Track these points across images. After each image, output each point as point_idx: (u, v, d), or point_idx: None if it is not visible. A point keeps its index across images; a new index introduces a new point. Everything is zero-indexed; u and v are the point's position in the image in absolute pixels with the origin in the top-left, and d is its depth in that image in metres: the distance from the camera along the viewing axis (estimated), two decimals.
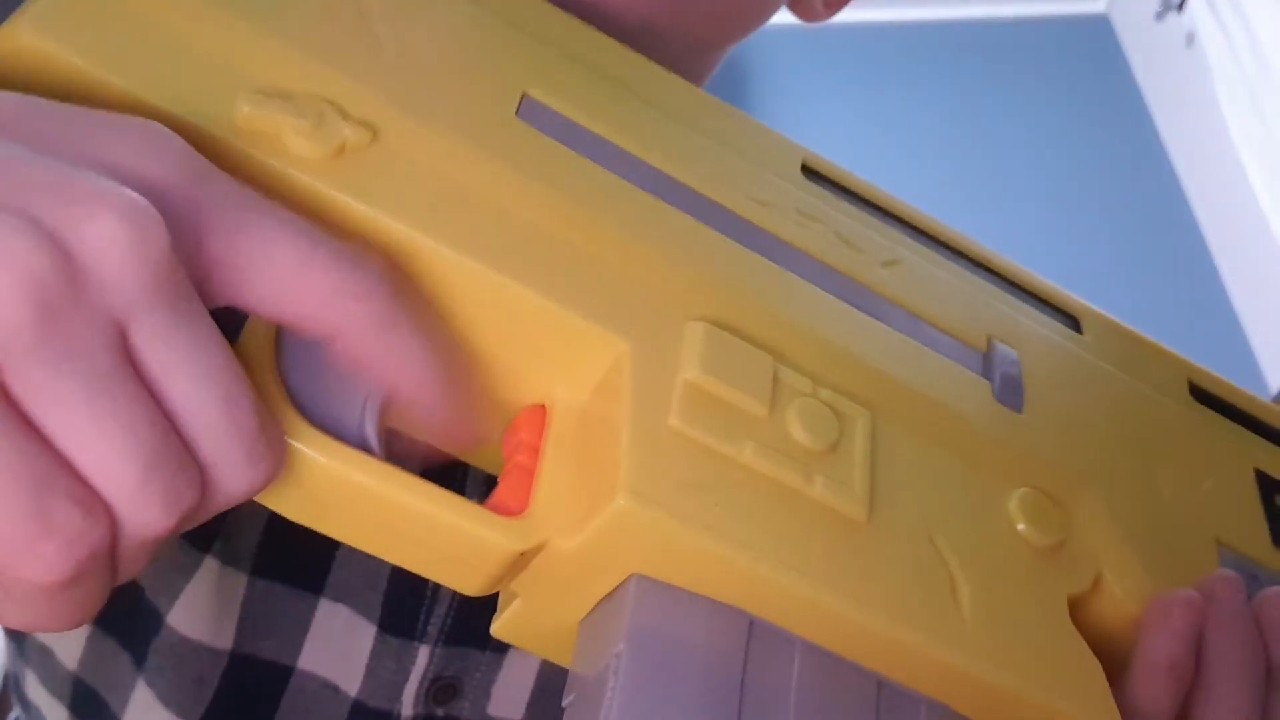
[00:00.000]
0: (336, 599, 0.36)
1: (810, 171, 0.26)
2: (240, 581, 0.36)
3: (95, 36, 0.20)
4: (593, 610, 0.21)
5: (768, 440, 0.20)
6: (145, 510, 0.17)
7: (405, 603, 0.37)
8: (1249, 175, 1.62)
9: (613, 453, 0.20)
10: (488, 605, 0.23)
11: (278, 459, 0.18)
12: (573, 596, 0.21)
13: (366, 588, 0.36)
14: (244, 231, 0.18)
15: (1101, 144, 1.81)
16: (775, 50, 1.87)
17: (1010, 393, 0.24)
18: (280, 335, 0.21)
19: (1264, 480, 0.26)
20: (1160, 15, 1.81)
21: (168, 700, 0.36)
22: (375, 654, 0.37)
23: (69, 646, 0.39)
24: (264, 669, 0.37)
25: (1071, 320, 0.27)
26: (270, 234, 0.18)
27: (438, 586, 0.36)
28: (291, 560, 0.36)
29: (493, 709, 0.38)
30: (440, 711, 0.37)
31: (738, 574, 0.19)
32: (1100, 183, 1.77)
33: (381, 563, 0.22)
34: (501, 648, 0.37)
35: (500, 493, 0.21)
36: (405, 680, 0.37)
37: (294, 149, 0.20)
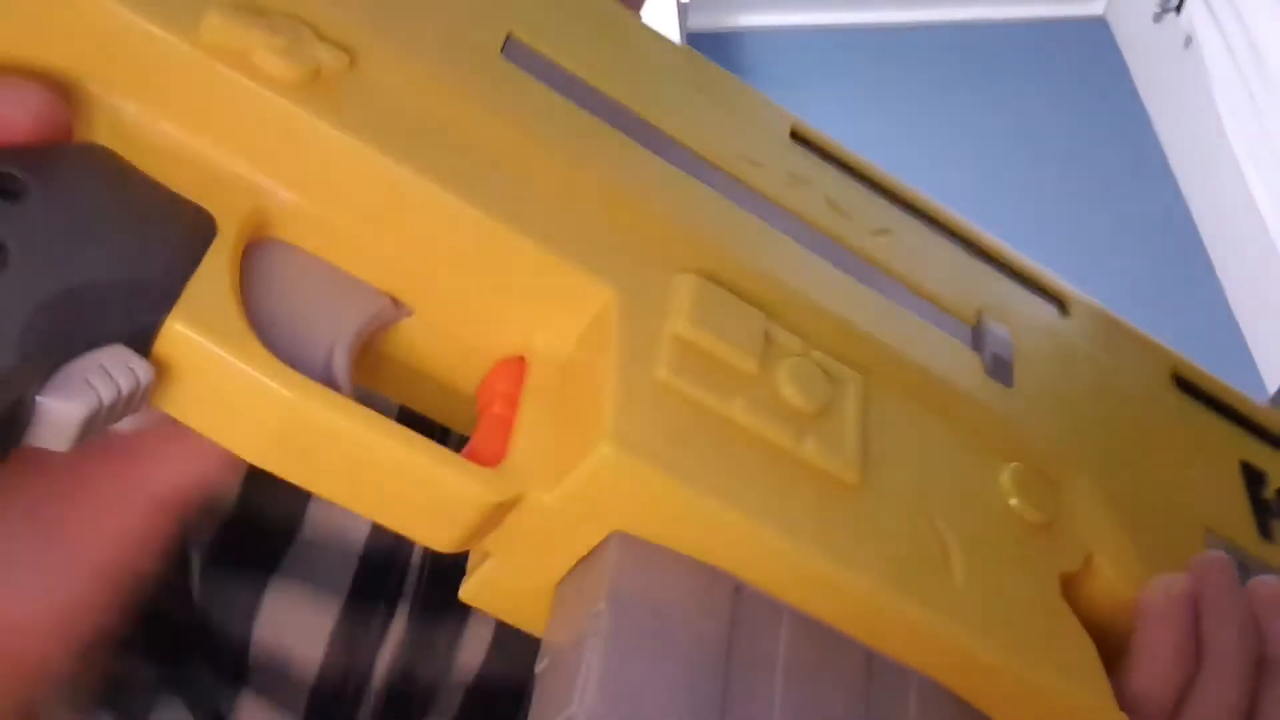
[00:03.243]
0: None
1: (799, 137, 0.26)
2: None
3: None
4: (570, 572, 0.20)
5: (758, 398, 0.19)
6: None
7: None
8: (1246, 177, 1.63)
9: (596, 403, 0.19)
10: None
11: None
12: (549, 555, 0.19)
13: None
14: None
15: (1099, 146, 1.81)
16: (775, 50, 1.87)
17: (1001, 368, 0.23)
18: (246, 272, 0.19)
19: (1249, 472, 0.26)
20: (1158, 17, 1.81)
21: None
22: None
23: None
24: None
25: (1058, 302, 0.27)
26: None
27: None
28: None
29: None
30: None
31: (725, 531, 0.18)
32: (1098, 184, 1.78)
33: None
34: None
35: (475, 443, 0.20)
36: None
37: (266, 68, 0.19)
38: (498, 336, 0.21)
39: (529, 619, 0.21)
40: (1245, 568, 0.23)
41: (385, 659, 0.39)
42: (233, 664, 0.39)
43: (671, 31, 1.52)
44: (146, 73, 0.19)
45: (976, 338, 0.23)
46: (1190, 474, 0.24)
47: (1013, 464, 0.22)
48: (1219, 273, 1.71)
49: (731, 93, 0.26)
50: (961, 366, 0.23)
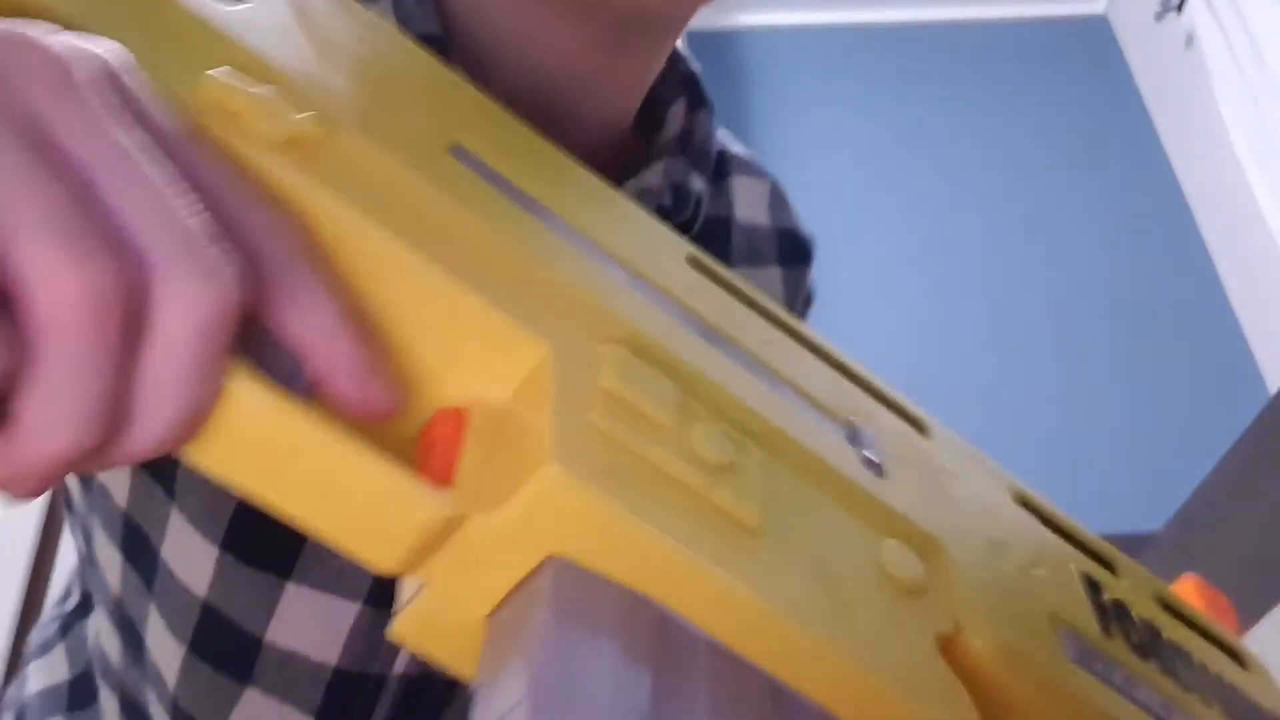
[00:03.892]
0: None
1: (695, 264, 0.30)
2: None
3: None
4: (504, 601, 0.21)
5: (676, 447, 0.22)
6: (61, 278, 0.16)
7: None
8: (1247, 175, 1.63)
9: (536, 437, 0.20)
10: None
11: (232, 279, 0.17)
12: (486, 580, 0.20)
13: None
14: (180, 141, 0.19)
15: (1101, 144, 1.81)
16: (775, 50, 1.87)
17: (872, 462, 0.26)
18: None
19: (1088, 582, 0.29)
20: (1159, 16, 1.81)
21: (197, 522, 0.38)
22: None
23: (120, 486, 0.41)
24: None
25: (917, 424, 0.30)
26: (200, 150, 0.19)
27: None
28: None
29: None
30: None
31: (653, 556, 0.20)
32: (1099, 183, 1.78)
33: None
34: None
35: (423, 471, 0.21)
36: None
37: (251, 125, 0.21)
38: (441, 385, 0.23)
39: (457, 658, 0.22)
40: (1094, 655, 0.26)
41: (403, 661, 0.39)
42: (242, 660, 0.39)
43: None
44: None
45: (850, 435, 0.27)
46: (1036, 572, 0.28)
47: (889, 539, 0.25)
48: (1220, 272, 1.71)
49: (639, 217, 0.30)
50: (841, 454, 0.26)
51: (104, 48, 0.19)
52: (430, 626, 0.21)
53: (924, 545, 0.25)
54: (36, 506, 0.87)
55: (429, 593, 0.21)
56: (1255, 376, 1.62)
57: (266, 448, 0.19)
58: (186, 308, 0.17)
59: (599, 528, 0.20)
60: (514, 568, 0.20)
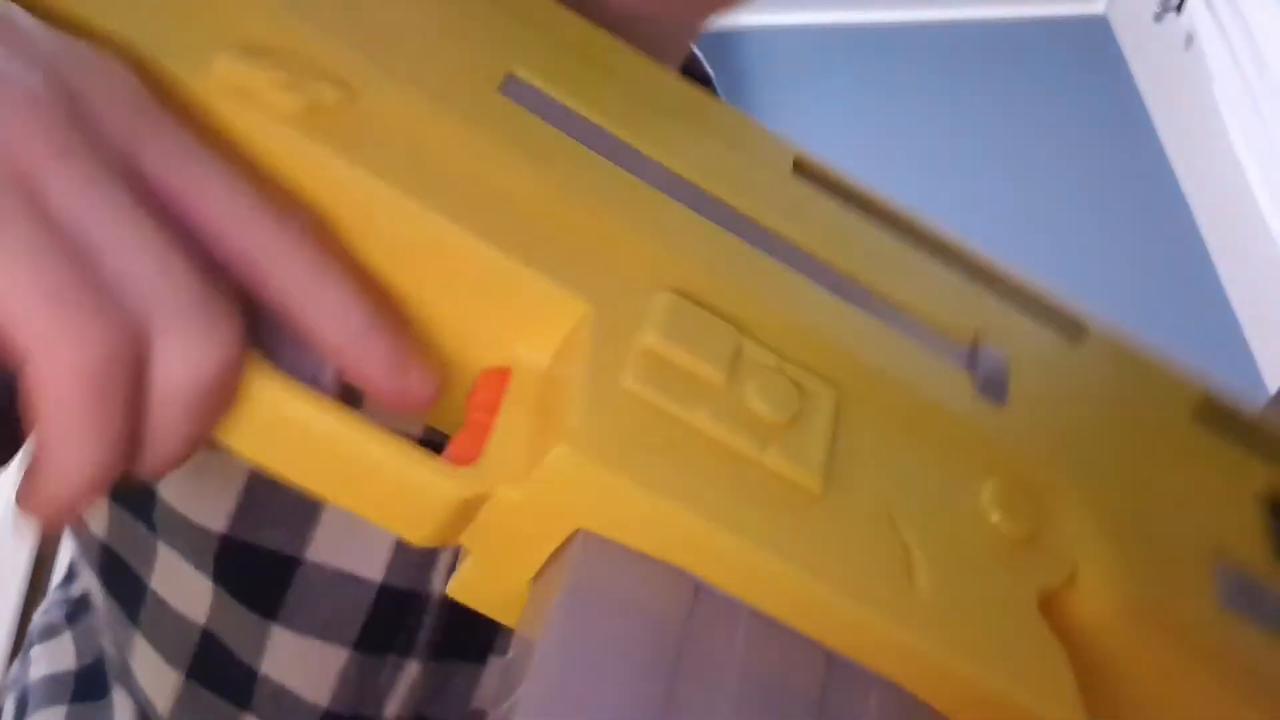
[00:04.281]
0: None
1: (802, 169, 0.26)
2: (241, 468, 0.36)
3: None
4: (541, 569, 0.21)
5: (723, 408, 0.20)
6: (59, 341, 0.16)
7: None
8: (1248, 176, 1.63)
9: (562, 408, 0.20)
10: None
11: (231, 333, 0.18)
12: (521, 551, 0.20)
13: None
14: (179, 163, 0.18)
15: (1100, 145, 1.81)
16: (775, 50, 1.87)
17: (993, 386, 0.23)
18: None
19: (1265, 499, 0.25)
20: (1159, 16, 1.81)
21: (186, 555, 0.37)
22: (398, 548, 0.36)
23: (98, 516, 0.40)
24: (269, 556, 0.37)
25: (1073, 328, 0.27)
26: (202, 172, 0.18)
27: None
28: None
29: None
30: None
31: (680, 532, 0.19)
32: (1099, 183, 1.77)
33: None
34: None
35: (454, 445, 0.21)
36: (435, 560, 0.37)
37: (269, 102, 0.20)
38: (481, 348, 0.22)
39: (513, 615, 0.22)
40: (1257, 591, 0.23)
41: (395, 703, 0.38)
42: (240, 687, 0.39)
43: None
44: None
45: (970, 358, 0.24)
46: (1197, 501, 0.24)
47: (995, 480, 0.22)
48: (1220, 272, 1.71)
49: (734, 127, 0.27)
50: (948, 384, 0.23)
51: (74, 61, 0.18)
52: (479, 589, 0.22)
53: (1042, 480, 0.22)
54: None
55: (471, 560, 0.21)
56: (1255, 376, 1.62)
57: (286, 443, 0.20)
58: (186, 366, 0.17)
59: (619, 504, 0.19)
60: (545, 539, 0.20)
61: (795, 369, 0.22)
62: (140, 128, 0.18)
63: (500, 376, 0.22)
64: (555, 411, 0.20)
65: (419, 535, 0.20)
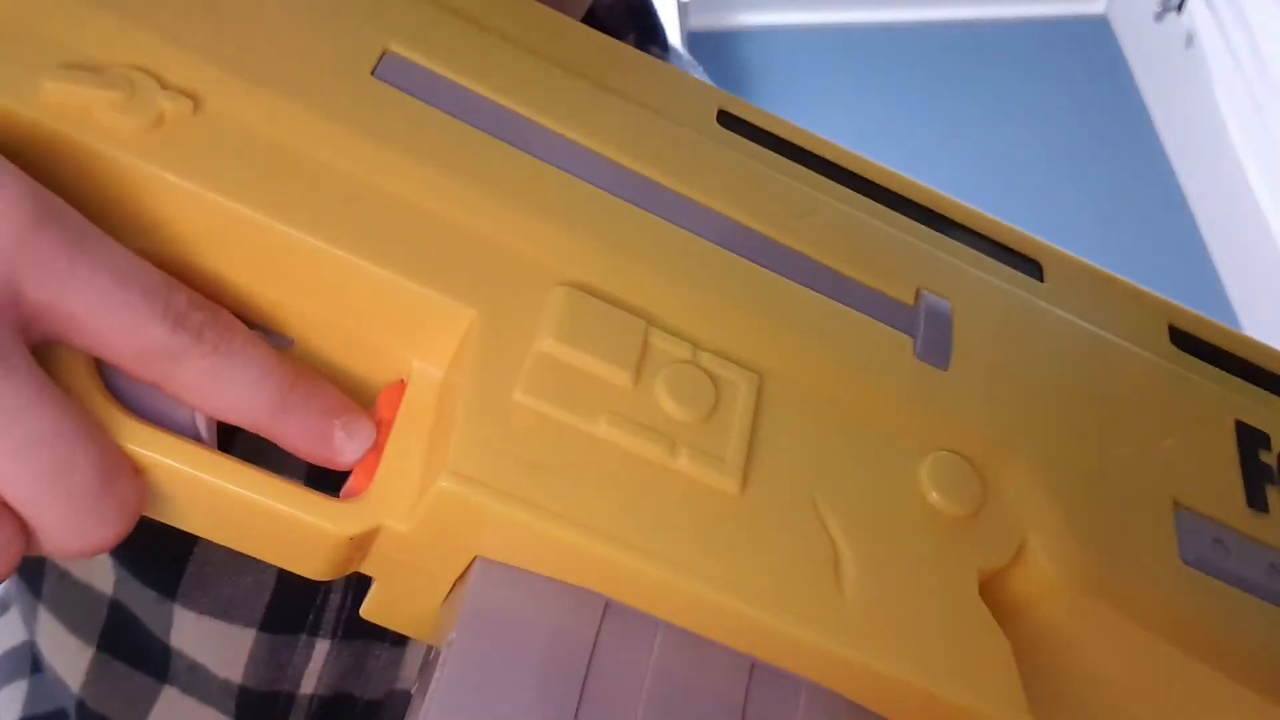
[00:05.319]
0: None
1: (729, 119, 0.24)
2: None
3: None
4: (448, 593, 0.20)
5: (629, 411, 0.19)
6: None
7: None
8: (1248, 176, 1.62)
9: (447, 432, 0.19)
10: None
11: (125, 518, 0.18)
12: (423, 579, 0.20)
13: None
14: (68, 290, 0.18)
15: (1101, 145, 1.81)
16: (775, 50, 1.87)
17: (934, 348, 0.22)
18: None
19: (1244, 432, 0.23)
20: (1159, 16, 1.81)
21: (71, 626, 0.37)
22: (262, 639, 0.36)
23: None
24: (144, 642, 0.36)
25: (1033, 266, 0.25)
26: (93, 293, 0.18)
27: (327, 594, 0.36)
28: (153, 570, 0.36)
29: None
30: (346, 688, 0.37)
31: (579, 556, 0.18)
32: (1099, 183, 1.77)
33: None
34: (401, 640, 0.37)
35: (354, 474, 0.20)
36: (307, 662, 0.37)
37: (106, 123, 0.19)
38: (375, 363, 0.21)
39: (429, 634, 0.21)
40: (1222, 543, 0.21)
41: (311, 680, 0.37)
42: (156, 660, 0.37)
43: (672, 31, 1.52)
44: None
45: (911, 317, 0.22)
46: (1167, 444, 0.23)
47: (935, 454, 0.21)
48: (1220, 272, 1.71)
49: (652, 82, 0.24)
50: (884, 351, 0.21)
51: None
52: (390, 613, 0.21)
53: (985, 449, 0.21)
54: None
55: (377, 586, 0.21)
56: None
57: (173, 502, 0.19)
58: (77, 546, 0.18)
59: (511, 532, 0.18)
60: (444, 568, 0.19)
61: (711, 357, 0.20)
62: (19, 261, 0.17)
63: (396, 394, 0.21)
64: (443, 434, 0.19)
65: (314, 571, 0.20)
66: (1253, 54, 1.60)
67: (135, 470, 0.18)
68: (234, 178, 0.19)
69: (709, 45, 1.82)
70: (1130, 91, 1.88)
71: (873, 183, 0.24)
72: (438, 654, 0.18)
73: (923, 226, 0.24)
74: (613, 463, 0.19)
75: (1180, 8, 1.75)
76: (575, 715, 0.17)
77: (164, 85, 0.19)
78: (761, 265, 0.22)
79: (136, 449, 0.18)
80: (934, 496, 0.20)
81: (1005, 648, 0.19)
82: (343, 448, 0.20)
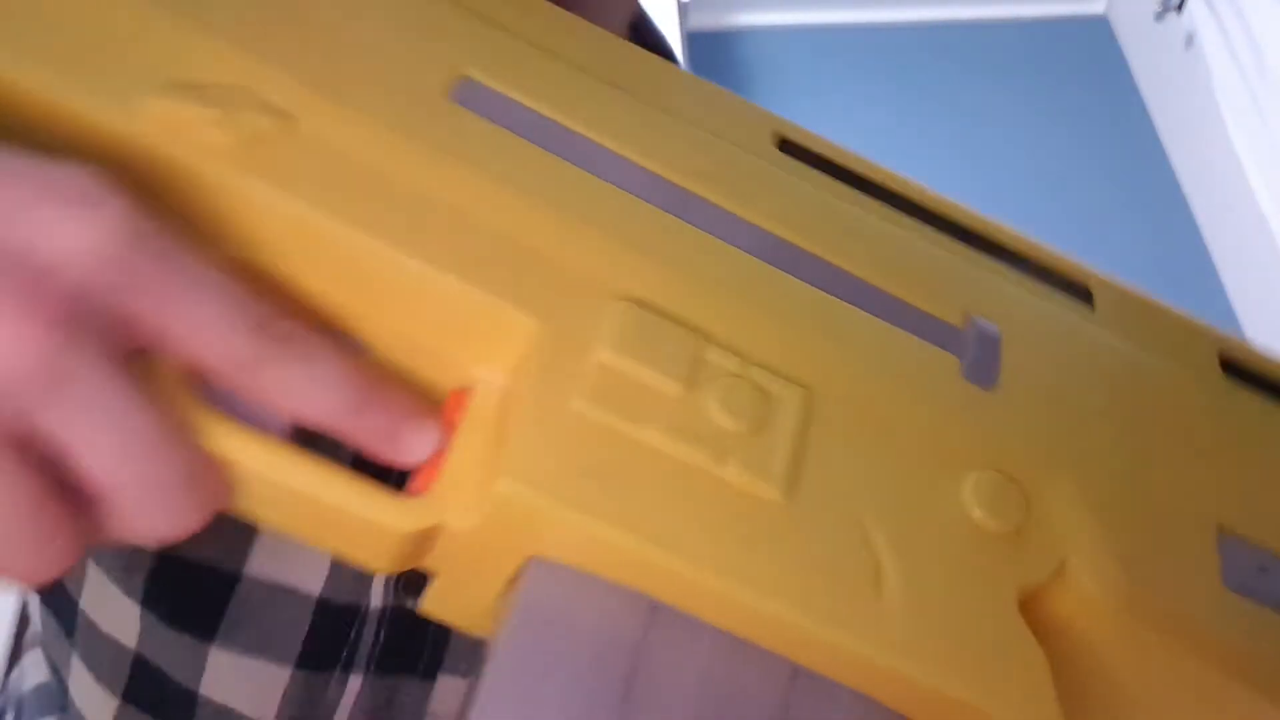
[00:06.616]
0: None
1: (788, 145, 0.25)
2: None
3: None
4: (503, 589, 0.21)
5: (680, 422, 0.20)
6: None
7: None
8: (1248, 176, 1.63)
9: (509, 437, 0.20)
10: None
11: (204, 511, 0.20)
12: (482, 574, 0.21)
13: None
14: (160, 305, 0.19)
15: (1101, 145, 1.81)
16: (775, 50, 1.87)
17: (981, 369, 0.22)
18: None
19: None
20: (1159, 16, 1.81)
21: (114, 577, 0.37)
22: (336, 561, 0.36)
23: (34, 608, 0.41)
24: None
25: (1082, 293, 0.25)
26: (183, 308, 0.19)
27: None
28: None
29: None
30: (410, 602, 0.37)
31: (628, 557, 0.19)
32: (1099, 183, 1.77)
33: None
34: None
35: (418, 473, 0.21)
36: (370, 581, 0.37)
37: (202, 139, 0.20)
38: (444, 371, 0.22)
39: (486, 629, 0.22)
40: (1266, 571, 0.21)
41: (343, 717, 0.38)
42: (182, 710, 0.38)
43: (671, 31, 1.52)
44: (96, 158, 0.19)
45: (960, 339, 0.23)
46: (1215, 470, 0.23)
47: (978, 472, 0.21)
48: (1221, 272, 1.71)
49: (708, 103, 0.25)
50: (930, 372, 0.22)
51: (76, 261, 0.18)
52: (448, 607, 0.22)
53: (1029, 469, 0.21)
54: None
55: (438, 581, 0.21)
56: None
57: (248, 492, 0.20)
58: (162, 534, 0.20)
59: (566, 533, 0.19)
60: (501, 564, 0.20)
61: (760, 372, 0.21)
62: (114, 276, 0.18)
63: (461, 399, 0.22)
64: (505, 438, 0.20)
65: (379, 566, 0.21)
66: (1253, 54, 1.61)
67: (217, 468, 0.20)
68: (319, 190, 0.20)
69: (709, 45, 1.82)
70: (1130, 91, 1.88)
71: (927, 208, 0.25)
72: (492, 648, 0.19)
73: (975, 252, 0.25)
74: (662, 469, 0.20)
75: (1180, 8, 1.76)
76: (619, 712, 0.18)
77: (259, 104, 0.21)
78: (813, 284, 0.23)
79: (219, 447, 0.20)
80: (976, 513, 0.21)
81: (1042, 663, 0.19)
82: (411, 449, 0.21)
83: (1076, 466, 0.22)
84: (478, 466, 0.20)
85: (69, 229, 0.18)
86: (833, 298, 0.23)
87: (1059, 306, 0.25)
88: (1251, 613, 0.21)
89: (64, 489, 0.18)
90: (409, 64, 0.23)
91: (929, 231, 0.25)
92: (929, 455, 0.21)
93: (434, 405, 0.22)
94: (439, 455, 0.21)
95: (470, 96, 0.23)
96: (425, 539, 0.20)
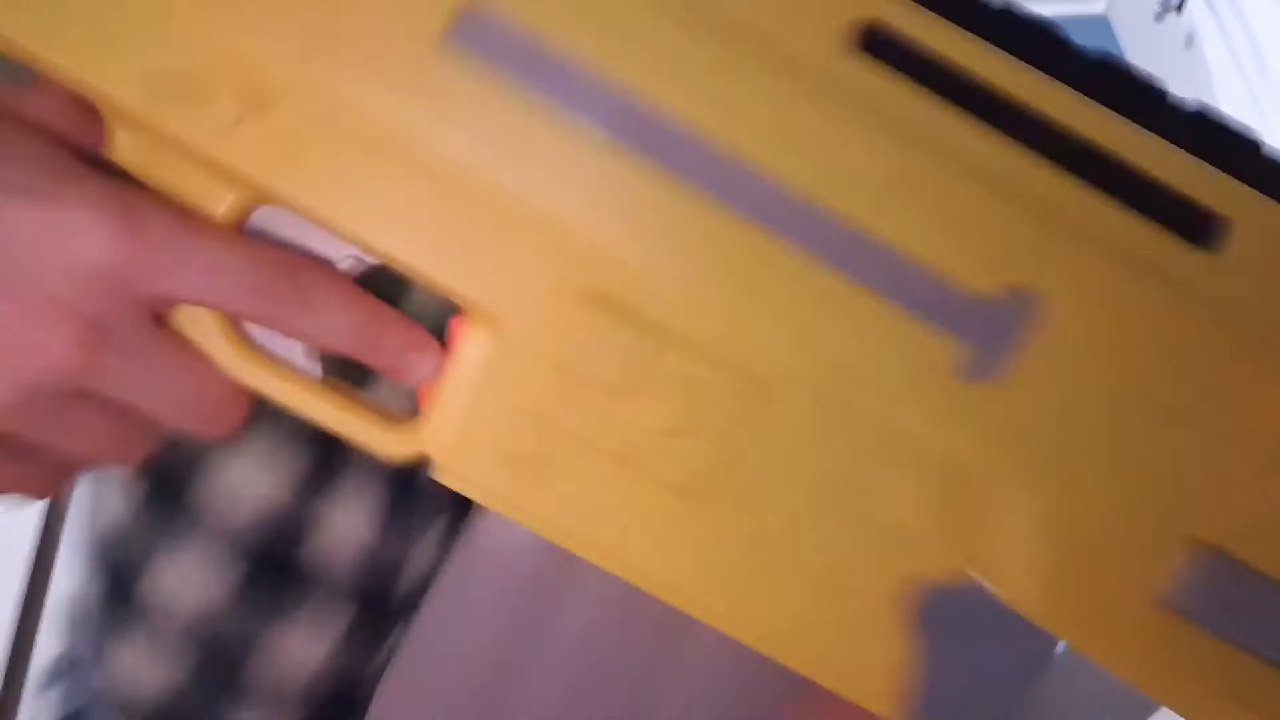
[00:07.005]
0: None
1: (875, 39, 0.20)
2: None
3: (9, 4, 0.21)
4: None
5: (616, 416, 0.22)
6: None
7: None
8: None
9: (453, 414, 0.23)
10: None
11: (231, 427, 0.24)
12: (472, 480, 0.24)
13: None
14: (168, 278, 0.22)
15: None
16: None
17: (983, 359, 0.20)
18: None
19: None
20: (1160, 16, 1.81)
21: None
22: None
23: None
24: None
25: (1207, 227, 0.20)
26: (190, 275, 0.22)
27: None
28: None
29: None
30: None
31: (548, 533, 0.22)
32: None
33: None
34: None
35: (422, 391, 0.24)
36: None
37: (193, 121, 0.21)
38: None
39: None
40: (1238, 581, 0.20)
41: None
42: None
43: None
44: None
45: (976, 316, 0.20)
46: (1214, 484, 0.20)
47: (918, 469, 0.21)
48: None
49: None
50: (916, 362, 0.20)
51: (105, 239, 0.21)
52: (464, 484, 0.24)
53: (986, 472, 0.20)
54: (37, 510, 0.87)
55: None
56: None
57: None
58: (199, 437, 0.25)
59: (494, 505, 0.22)
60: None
61: (708, 370, 0.21)
62: (118, 263, 0.21)
63: (460, 326, 0.24)
64: (457, 413, 0.23)
65: (398, 457, 0.24)
66: (1253, 54, 1.60)
67: (241, 394, 0.24)
68: (307, 171, 0.22)
69: None
70: None
71: (1053, 128, 0.21)
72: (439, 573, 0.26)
73: (1085, 189, 0.20)
74: (588, 458, 0.22)
75: (1180, 8, 1.75)
76: (525, 648, 0.23)
77: (248, 82, 0.21)
78: (806, 251, 0.20)
79: (243, 378, 0.23)
80: (894, 500, 0.21)
81: (901, 653, 0.20)
82: (417, 372, 0.24)
83: (1041, 476, 0.20)
84: (460, 402, 0.23)
85: (78, 249, 0.21)
86: (820, 271, 0.20)
87: (1163, 256, 0.20)
88: (1176, 631, 0.20)
89: (127, 411, 0.23)
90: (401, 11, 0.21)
91: (1031, 165, 0.21)
92: (879, 451, 0.21)
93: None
94: (439, 379, 0.24)
95: (475, 33, 0.21)
96: (418, 459, 0.23)
